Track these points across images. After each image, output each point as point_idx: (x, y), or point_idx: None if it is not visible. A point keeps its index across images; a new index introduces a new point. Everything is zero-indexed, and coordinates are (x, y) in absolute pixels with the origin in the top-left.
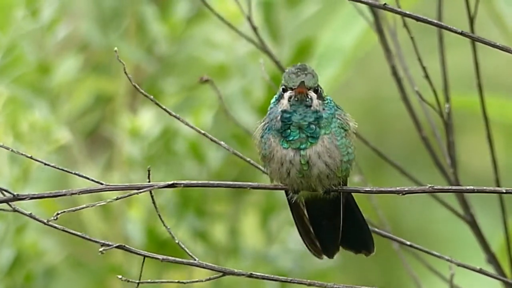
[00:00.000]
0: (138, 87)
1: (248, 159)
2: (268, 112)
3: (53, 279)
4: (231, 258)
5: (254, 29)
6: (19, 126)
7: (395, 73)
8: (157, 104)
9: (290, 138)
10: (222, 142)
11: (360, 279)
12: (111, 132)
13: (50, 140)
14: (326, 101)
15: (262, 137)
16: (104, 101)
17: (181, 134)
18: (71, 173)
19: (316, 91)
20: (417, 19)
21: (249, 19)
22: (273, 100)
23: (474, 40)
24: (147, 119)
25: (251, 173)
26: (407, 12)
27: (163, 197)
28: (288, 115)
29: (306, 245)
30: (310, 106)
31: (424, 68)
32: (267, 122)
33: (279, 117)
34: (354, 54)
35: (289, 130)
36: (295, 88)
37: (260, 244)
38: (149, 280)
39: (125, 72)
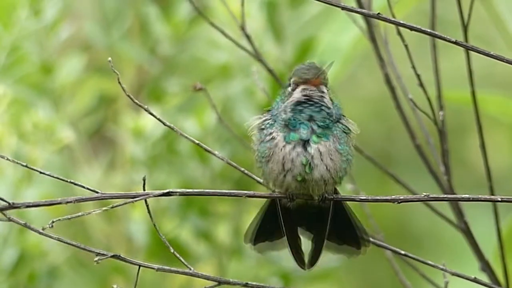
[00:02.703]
0: (132, 97)
1: (242, 169)
2: (272, 109)
3: (56, 279)
4: (234, 258)
5: (248, 37)
6: (23, 126)
7: (388, 81)
8: (150, 113)
9: (298, 127)
10: (216, 152)
11: (364, 280)
12: (114, 132)
13: (54, 140)
14: (334, 104)
15: (262, 130)
16: (107, 101)
17: (185, 134)
18: (66, 181)
19: (326, 86)
20: (411, 28)
21: (243, 29)
22: (277, 99)
23: (468, 49)
24: (150, 119)
25: (255, 174)
26: (401, 22)
27: (167, 197)
28: (301, 108)
29: (292, 255)
30: (323, 100)
31: (418, 76)
32: (269, 118)
33: (289, 109)
34: (353, 53)
35: (298, 121)
36: (308, 81)
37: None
38: None
39: (119, 82)
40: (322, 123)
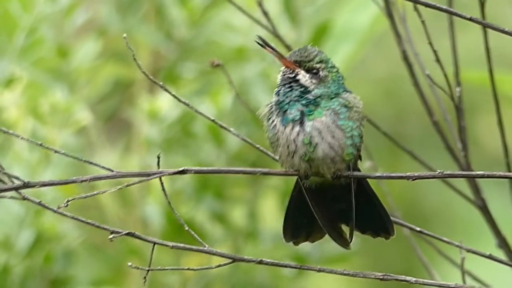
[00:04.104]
0: (154, 79)
1: (258, 145)
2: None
3: (71, 262)
4: (249, 241)
5: (265, 14)
6: (39, 108)
7: (406, 58)
8: (169, 92)
9: (286, 108)
10: (232, 129)
11: (378, 263)
12: (130, 114)
13: (71, 122)
14: (327, 83)
15: (269, 119)
16: (123, 85)
17: (200, 117)
18: (82, 160)
19: (310, 70)
20: (427, 5)
21: (260, 4)
22: None
23: (484, 26)
24: (166, 102)
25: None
26: None
27: (182, 180)
28: (278, 89)
29: (330, 235)
30: (296, 80)
31: (435, 52)
32: (272, 104)
33: (274, 93)
34: (369, 33)
35: (284, 103)
36: (282, 61)
37: (278, 227)
38: (159, 267)
39: (137, 64)
40: (305, 101)
